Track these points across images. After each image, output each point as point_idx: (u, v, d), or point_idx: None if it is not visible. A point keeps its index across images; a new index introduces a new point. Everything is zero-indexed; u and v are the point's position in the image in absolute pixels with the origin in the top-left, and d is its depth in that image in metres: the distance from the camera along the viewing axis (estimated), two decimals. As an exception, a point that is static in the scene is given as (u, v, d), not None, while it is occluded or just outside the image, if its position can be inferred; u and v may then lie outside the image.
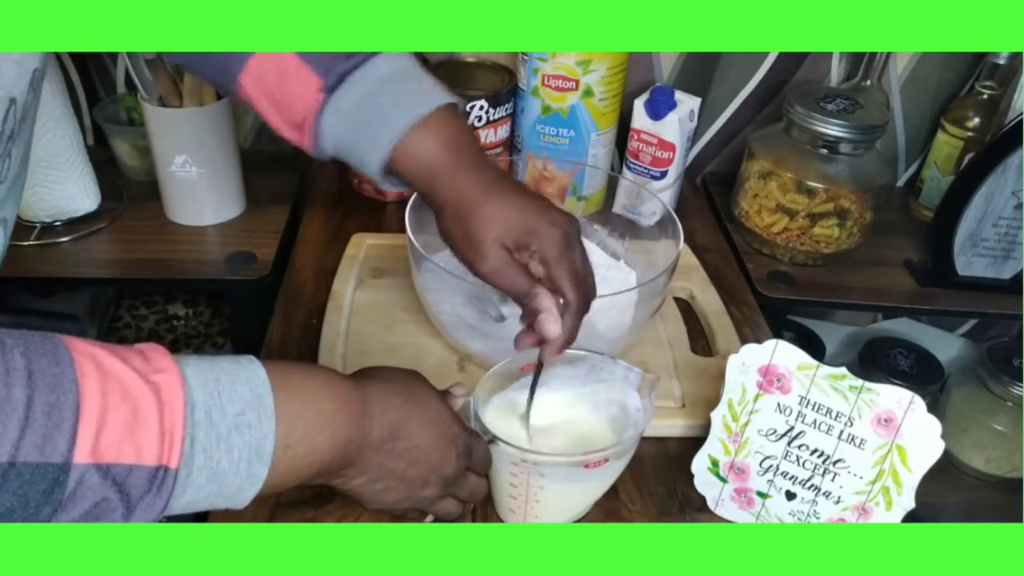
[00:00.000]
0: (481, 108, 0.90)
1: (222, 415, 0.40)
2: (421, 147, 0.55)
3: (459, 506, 0.56)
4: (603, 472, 0.56)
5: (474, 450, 0.54)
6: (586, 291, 0.56)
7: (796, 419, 0.57)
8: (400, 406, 0.50)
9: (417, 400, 0.52)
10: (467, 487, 0.55)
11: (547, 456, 0.53)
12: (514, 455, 0.54)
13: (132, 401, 0.37)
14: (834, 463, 0.57)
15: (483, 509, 0.62)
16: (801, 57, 1.02)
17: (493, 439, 0.55)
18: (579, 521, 0.61)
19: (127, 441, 0.37)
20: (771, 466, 0.60)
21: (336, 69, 0.55)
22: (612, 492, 0.64)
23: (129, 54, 0.84)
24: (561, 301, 0.54)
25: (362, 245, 0.88)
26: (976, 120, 0.99)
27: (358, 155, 0.57)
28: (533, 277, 0.55)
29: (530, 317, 0.55)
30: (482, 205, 0.55)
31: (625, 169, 0.98)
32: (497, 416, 0.58)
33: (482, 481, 0.57)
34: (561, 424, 0.59)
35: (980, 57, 1.00)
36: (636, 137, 0.94)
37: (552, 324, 0.54)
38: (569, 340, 0.55)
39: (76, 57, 0.99)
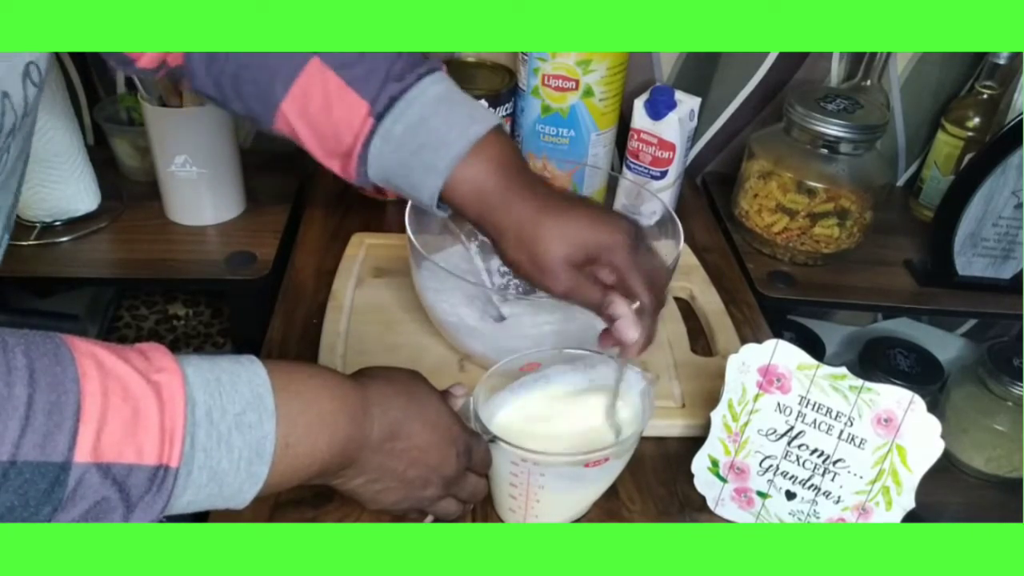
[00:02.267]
0: (481, 108, 0.90)
1: (223, 414, 0.40)
2: (474, 170, 0.54)
3: (459, 506, 0.56)
4: (603, 471, 0.56)
5: (474, 450, 0.54)
6: (658, 290, 0.56)
7: (796, 419, 0.57)
8: (401, 406, 0.50)
9: (418, 400, 0.52)
10: (467, 487, 0.55)
11: (548, 456, 0.54)
12: (514, 455, 0.54)
13: (133, 401, 0.37)
14: (834, 463, 0.57)
15: (483, 509, 0.62)
16: (801, 57, 1.02)
17: (493, 438, 0.55)
18: (579, 521, 0.61)
19: (128, 440, 0.37)
20: (771, 466, 0.60)
21: (386, 92, 0.54)
22: (612, 492, 0.64)
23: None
24: (636, 305, 0.55)
25: (362, 245, 0.88)
26: (976, 120, 0.99)
27: (409, 181, 0.55)
28: (605, 285, 0.55)
29: (607, 322, 0.56)
30: (543, 227, 0.54)
31: (625, 169, 0.98)
32: (502, 415, 0.59)
33: (482, 481, 0.57)
34: (561, 423, 0.59)
35: (980, 57, 1.00)
36: (636, 137, 0.94)
37: (630, 329, 0.55)
38: (648, 340, 0.56)
39: (76, 57, 0.99)
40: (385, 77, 0.54)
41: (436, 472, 0.52)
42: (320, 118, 0.55)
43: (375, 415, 0.49)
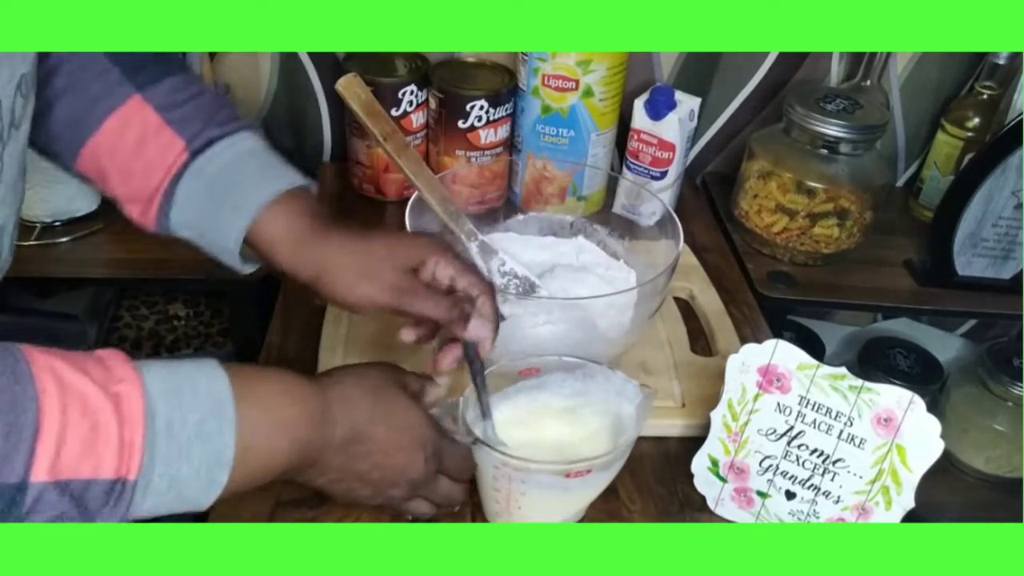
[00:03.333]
0: (481, 108, 0.90)
1: (183, 424, 0.40)
2: (285, 212, 0.54)
3: (431, 507, 0.56)
4: (587, 483, 0.56)
5: (446, 454, 0.54)
6: (481, 277, 0.57)
7: (796, 419, 0.57)
8: (366, 408, 0.50)
9: (385, 402, 0.52)
10: (439, 490, 0.55)
11: (527, 462, 0.53)
12: (495, 458, 0.54)
13: (92, 415, 0.37)
14: (834, 463, 0.57)
15: (483, 510, 0.62)
16: (801, 57, 1.02)
17: (475, 440, 0.54)
18: (579, 521, 0.61)
19: (86, 456, 0.37)
20: (771, 466, 0.60)
21: (205, 133, 0.54)
22: (612, 492, 0.64)
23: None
24: (478, 299, 0.56)
25: (362, 245, 0.87)
26: (976, 120, 0.99)
27: (214, 222, 0.54)
28: (441, 293, 0.55)
29: (453, 330, 0.55)
30: (370, 246, 0.54)
31: (625, 169, 0.98)
32: (494, 417, 0.59)
33: (456, 486, 0.57)
34: (551, 431, 0.59)
35: (980, 57, 1.00)
36: (636, 137, 0.94)
37: (482, 327, 0.55)
38: (496, 325, 0.57)
39: (76, 57, 0.99)
40: (206, 121, 0.54)
41: (402, 475, 0.52)
42: (131, 156, 0.54)
43: (337, 418, 0.49)
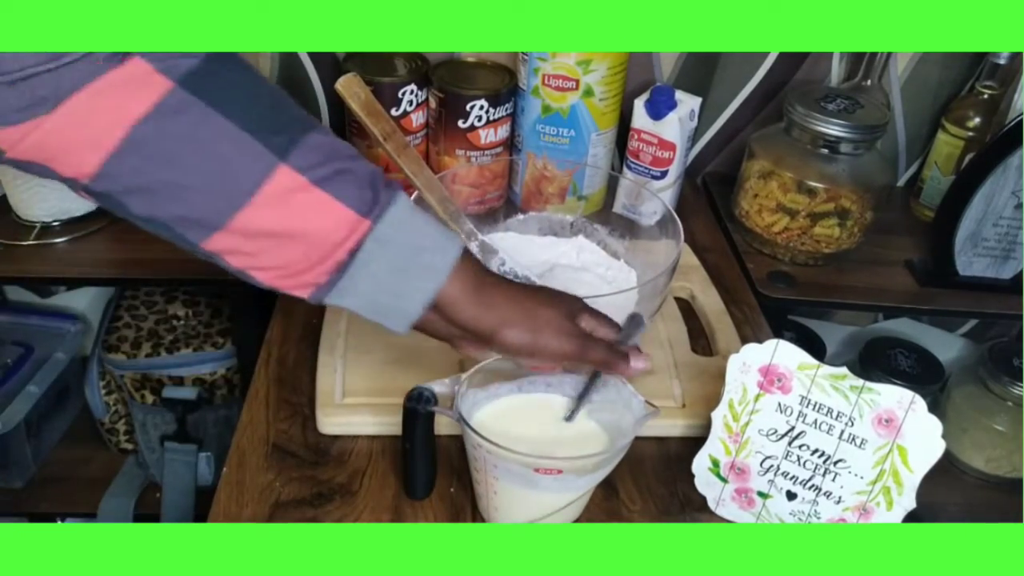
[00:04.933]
0: (481, 108, 0.90)
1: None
2: (462, 270, 0.53)
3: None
4: (560, 483, 0.55)
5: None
6: (615, 325, 0.61)
7: (797, 419, 0.57)
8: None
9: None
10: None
11: (498, 449, 0.53)
12: (473, 438, 0.54)
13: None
14: (835, 463, 0.57)
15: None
16: (801, 57, 1.02)
17: (460, 418, 0.55)
18: (579, 521, 0.61)
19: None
20: (772, 466, 0.60)
21: (381, 198, 0.51)
22: (612, 492, 0.64)
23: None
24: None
25: (362, 245, 0.87)
26: (976, 120, 0.99)
27: (397, 288, 0.51)
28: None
29: (616, 370, 0.58)
30: (539, 300, 0.56)
31: (625, 169, 0.98)
32: (494, 404, 0.59)
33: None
34: (542, 429, 0.59)
35: (980, 57, 1.00)
36: (636, 137, 0.94)
37: (643, 361, 0.59)
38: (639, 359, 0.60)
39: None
40: (373, 185, 0.51)
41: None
42: (286, 229, 0.49)
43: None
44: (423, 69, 0.93)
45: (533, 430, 0.59)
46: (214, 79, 0.47)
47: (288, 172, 0.48)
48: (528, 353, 0.55)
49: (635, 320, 0.61)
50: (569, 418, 0.59)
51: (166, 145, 0.46)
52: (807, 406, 0.57)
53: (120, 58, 0.44)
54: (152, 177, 0.46)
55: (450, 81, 0.91)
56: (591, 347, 0.56)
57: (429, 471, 0.61)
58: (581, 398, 0.60)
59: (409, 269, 0.51)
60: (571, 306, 0.58)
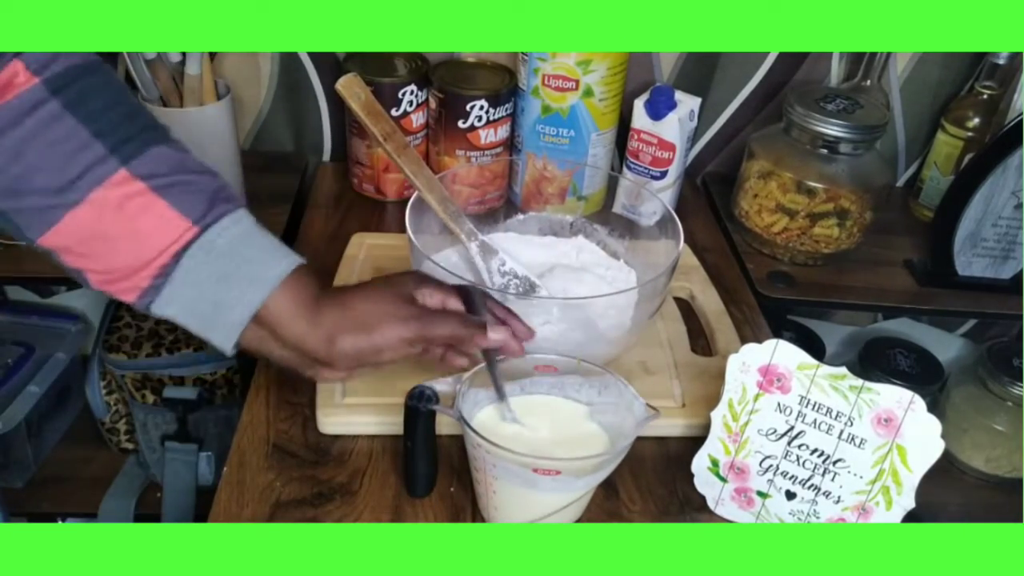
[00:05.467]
0: (481, 108, 0.90)
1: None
2: (295, 286, 0.53)
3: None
4: (559, 484, 0.55)
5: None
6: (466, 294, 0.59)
7: (796, 419, 0.57)
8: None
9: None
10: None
11: (496, 448, 0.53)
12: (472, 438, 0.54)
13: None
14: (834, 463, 0.57)
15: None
16: (801, 57, 1.02)
17: (460, 417, 0.55)
18: (579, 521, 0.61)
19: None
20: (771, 466, 0.60)
21: (216, 209, 0.51)
22: (612, 492, 0.64)
23: (129, 54, 0.84)
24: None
25: (362, 245, 0.88)
26: (976, 120, 0.99)
27: (219, 297, 0.51)
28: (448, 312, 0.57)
29: (475, 344, 0.57)
30: (369, 295, 0.55)
31: (625, 169, 0.98)
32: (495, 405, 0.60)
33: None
34: (549, 431, 0.59)
35: (980, 57, 1.00)
36: (636, 137, 0.94)
37: (501, 331, 0.57)
38: (505, 328, 0.58)
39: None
40: (212, 197, 0.52)
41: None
42: (117, 232, 0.49)
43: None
44: (423, 69, 0.93)
45: (541, 431, 0.59)
46: (76, 83, 0.48)
47: (127, 177, 0.49)
48: (371, 356, 0.54)
49: (472, 292, 0.59)
50: (505, 412, 0.59)
51: (15, 135, 0.47)
52: (806, 406, 0.57)
53: (9, 58, 0.46)
54: None
55: (450, 81, 0.91)
56: (435, 323, 0.54)
57: (430, 470, 0.61)
58: (496, 383, 0.58)
59: (233, 278, 0.51)
60: (403, 287, 0.56)
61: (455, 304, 0.57)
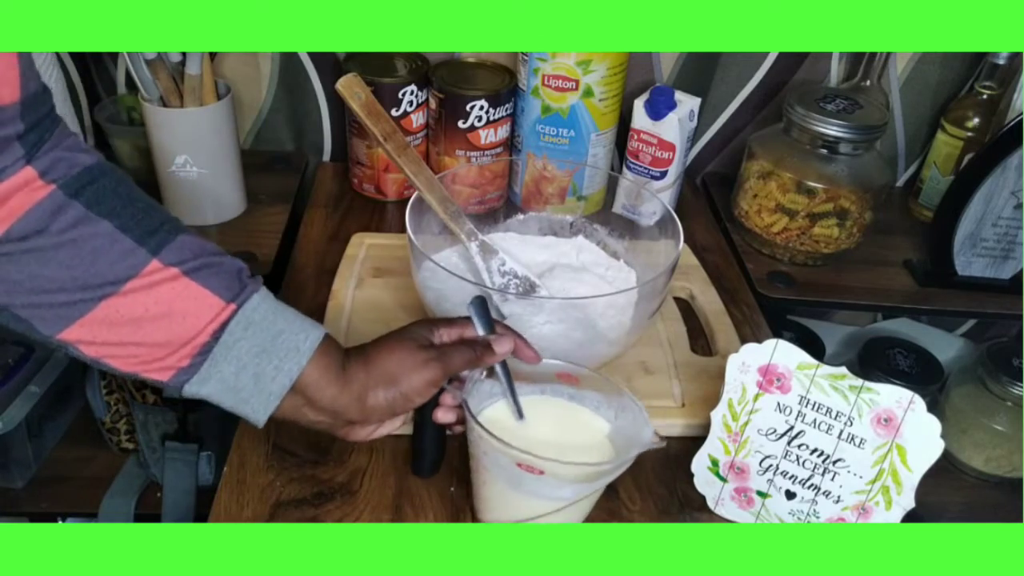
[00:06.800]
0: (481, 108, 0.90)
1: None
2: (323, 353, 0.54)
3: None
4: (542, 485, 0.54)
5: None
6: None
7: (796, 418, 0.57)
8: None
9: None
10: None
11: (484, 432, 0.53)
12: (469, 423, 0.55)
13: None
14: (834, 462, 0.57)
15: (483, 509, 0.62)
16: (801, 57, 1.02)
17: (464, 401, 0.56)
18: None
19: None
20: (771, 465, 0.60)
21: (247, 287, 0.53)
22: (612, 491, 0.64)
23: (129, 54, 0.84)
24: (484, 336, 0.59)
25: (362, 245, 0.88)
26: (976, 120, 0.99)
27: (260, 370, 0.52)
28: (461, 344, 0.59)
29: (486, 362, 0.58)
30: (390, 346, 0.57)
31: (625, 169, 0.98)
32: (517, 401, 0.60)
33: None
34: (555, 435, 0.59)
35: (980, 57, 1.00)
36: (636, 137, 0.95)
37: (505, 341, 0.58)
38: (510, 340, 0.59)
39: (76, 57, 0.99)
40: (240, 277, 0.53)
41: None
42: (161, 307, 0.50)
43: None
44: (423, 69, 0.93)
45: (540, 432, 0.59)
46: (92, 185, 0.49)
47: (159, 265, 0.50)
48: (402, 405, 0.56)
49: (475, 304, 0.60)
50: (514, 408, 0.59)
51: (42, 241, 0.47)
52: (806, 406, 0.57)
53: (19, 164, 0.47)
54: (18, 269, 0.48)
55: (450, 81, 0.91)
56: (450, 359, 0.56)
57: (437, 450, 0.61)
58: (508, 388, 0.59)
59: (272, 351, 0.52)
60: (417, 333, 0.58)
61: (471, 333, 0.59)
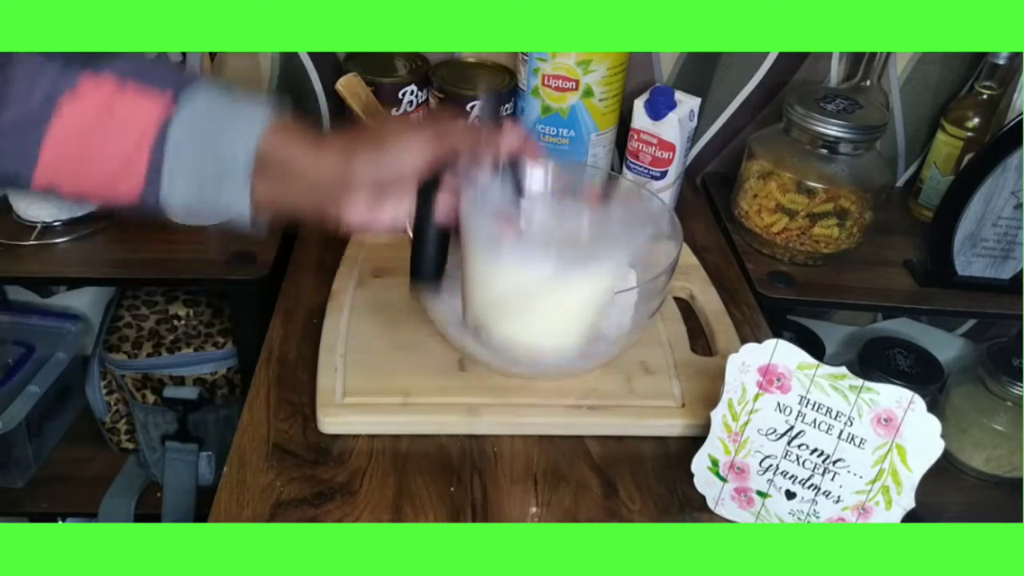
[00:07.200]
0: (481, 108, 0.90)
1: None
2: (290, 128, 0.52)
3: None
4: (521, 258, 0.52)
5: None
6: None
7: (796, 418, 0.57)
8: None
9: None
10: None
11: (474, 197, 0.52)
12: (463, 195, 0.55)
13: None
14: (834, 462, 0.57)
15: (483, 510, 0.62)
16: (801, 57, 1.02)
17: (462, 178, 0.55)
18: (578, 520, 0.61)
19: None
20: (771, 465, 0.60)
21: (182, 80, 0.51)
22: (612, 491, 0.64)
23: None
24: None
25: (362, 245, 0.88)
26: (976, 120, 0.99)
27: (218, 149, 0.50)
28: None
29: (491, 148, 0.55)
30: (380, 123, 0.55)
31: (625, 169, 0.98)
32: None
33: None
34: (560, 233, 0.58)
35: (980, 57, 1.00)
36: (636, 137, 0.95)
37: (516, 132, 0.56)
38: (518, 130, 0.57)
39: (76, 57, 0.99)
40: (176, 73, 0.52)
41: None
42: (102, 122, 0.49)
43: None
44: (423, 69, 0.93)
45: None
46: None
47: (91, 77, 0.49)
48: (392, 169, 0.52)
49: (487, 98, 0.58)
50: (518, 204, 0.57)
51: None
52: (806, 406, 0.57)
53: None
54: None
55: (450, 81, 0.91)
56: (448, 134, 0.53)
57: (439, 254, 0.58)
58: (517, 182, 0.57)
59: (226, 127, 0.50)
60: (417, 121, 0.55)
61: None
